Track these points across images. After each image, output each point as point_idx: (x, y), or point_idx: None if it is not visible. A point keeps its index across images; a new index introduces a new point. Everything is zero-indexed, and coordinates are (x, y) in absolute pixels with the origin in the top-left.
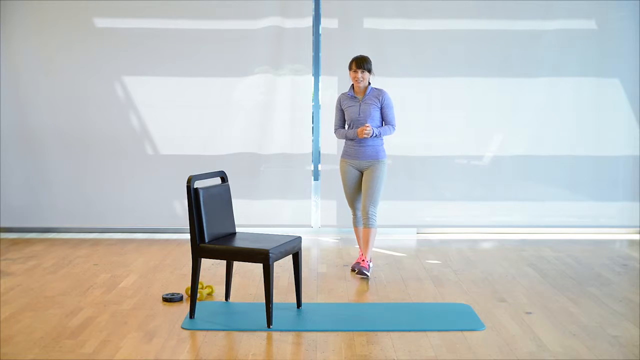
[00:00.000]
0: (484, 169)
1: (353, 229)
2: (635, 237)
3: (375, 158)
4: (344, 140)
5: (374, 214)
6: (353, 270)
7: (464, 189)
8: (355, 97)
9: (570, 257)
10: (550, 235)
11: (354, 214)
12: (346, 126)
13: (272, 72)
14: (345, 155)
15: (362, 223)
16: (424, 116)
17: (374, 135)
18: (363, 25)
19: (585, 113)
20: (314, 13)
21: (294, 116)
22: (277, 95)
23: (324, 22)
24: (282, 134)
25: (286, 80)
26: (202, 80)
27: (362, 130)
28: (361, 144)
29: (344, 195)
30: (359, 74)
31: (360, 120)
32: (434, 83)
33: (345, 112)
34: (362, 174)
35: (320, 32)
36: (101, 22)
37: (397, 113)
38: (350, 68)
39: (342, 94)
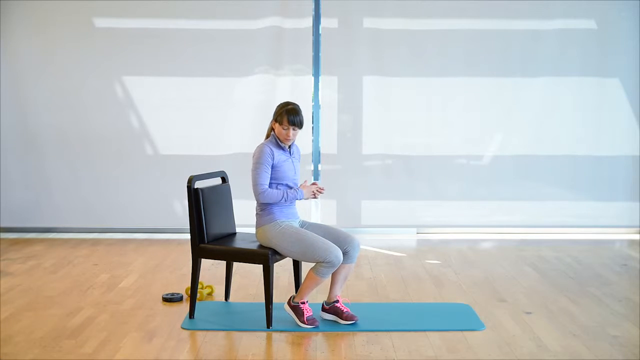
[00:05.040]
0: (484, 169)
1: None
2: (635, 237)
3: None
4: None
5: None
6: (329, 311)
7: (464, 189)
8: (285, 150)
9: (570, 257)
10: (550, 235)
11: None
12: (267, 182)
13: (272, 72)
14: (284, 215)
15: (354, 257)
16: (423, 116)
17: None
18: (363, 25)
19: (585, 113)
20: (314, 13)
21: None
22: (277, 95)
23: (324, 22)
24: None
25: (286, 80)
26: (202, 80)
27: (319, 190)
28: (293, 203)
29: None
30: (291, 133)
31: (296, 180)
32: (434, 83)
33: (276, 169)
34: None
35: (320, 32)
36: (101, 22)
37: (397, 113)
38: (279, 121)
39: (269, 144)
